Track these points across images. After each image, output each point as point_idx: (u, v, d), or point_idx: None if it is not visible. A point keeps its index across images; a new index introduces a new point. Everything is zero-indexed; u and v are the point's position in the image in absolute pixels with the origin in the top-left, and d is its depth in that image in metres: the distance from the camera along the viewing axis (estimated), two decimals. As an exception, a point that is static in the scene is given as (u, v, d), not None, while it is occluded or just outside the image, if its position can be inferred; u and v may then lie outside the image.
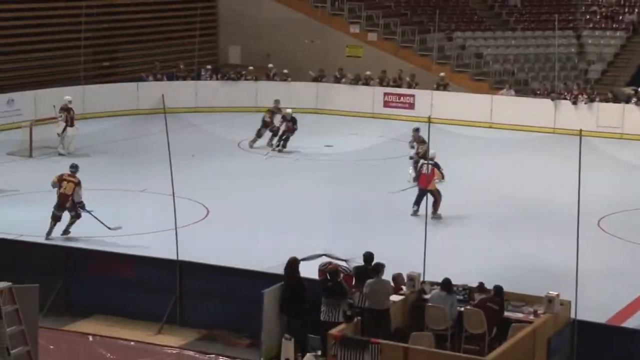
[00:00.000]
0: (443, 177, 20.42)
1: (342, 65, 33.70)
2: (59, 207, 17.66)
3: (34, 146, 24.94)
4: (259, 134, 26.68)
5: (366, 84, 32.58)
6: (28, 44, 30.40)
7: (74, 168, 18.22)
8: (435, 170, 19.80)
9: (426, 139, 22.57)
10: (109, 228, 17.43)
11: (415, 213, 19.65)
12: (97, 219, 17.50)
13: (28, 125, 25.13)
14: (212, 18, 37.46)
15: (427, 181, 19.50)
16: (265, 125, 26.77)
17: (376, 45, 35.44)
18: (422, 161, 20.40)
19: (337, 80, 32.93)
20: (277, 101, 27.69)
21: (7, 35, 29.69)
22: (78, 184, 17.77)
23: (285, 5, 36.71)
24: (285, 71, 33.07)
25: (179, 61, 33.36)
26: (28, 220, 18.51)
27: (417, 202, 19.58)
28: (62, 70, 31.25)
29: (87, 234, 17.42)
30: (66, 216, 17.71)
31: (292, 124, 26.59)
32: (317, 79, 33.04)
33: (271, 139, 26.62)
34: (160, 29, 35.13)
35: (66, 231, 17.62)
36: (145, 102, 30.12)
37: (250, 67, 33.46)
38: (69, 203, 17.63)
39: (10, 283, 10.41)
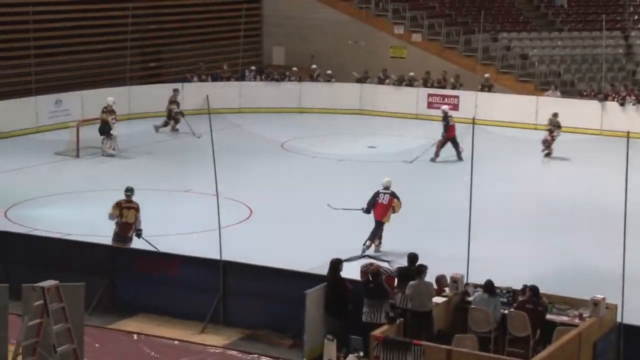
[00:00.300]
0: (400, 208, 17.49)
1: (386, 66, 33.64)
2: (123, 238, 15.67)
3: (81, 146, 25.23)
4: (165, 124, 28.30)
5: (410, 85, 32.49)
6: (75, 45, 30.76)
7: (130, 192, 15.99)
8: (395, 200, 17.38)
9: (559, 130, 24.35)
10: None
11: (377, 249, 17.19)
12: (152, 246, 15.83)
13: (75, 125, 25.44)
14: (256, 19, 37.63)
15: (382, 213, 17.27)
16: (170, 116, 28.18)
17: (420, 46, 35.31)
18: (378, 189, 17.66)
19: (381, 81, 32.88)
20: (176, 90, 28.79)
21: (55, 36, 30.08)
22: (138, 209, 15.80)
23: (330, 7, 36.72)
24: (329, 72, 33.11)
25: (224, 62, 33.58)
26: (75, 219, 18.74)
27: (373, 237, 17.17)
28: (108, 71, 31.62)
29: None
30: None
31: (447, 124, 25.22)
32: (360, 80, 33.02)
33: (173, 126, 28.19)
34: (205, 30, 35.37)
35: None
36: (190, 103, 30.36)
37: (294, 68, 33.55)
38: (131, 232, 15.78)
39: (57, 281, 10.53)
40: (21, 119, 27.12)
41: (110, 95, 26.41)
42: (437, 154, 25.16)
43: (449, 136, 25.31)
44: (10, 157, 24.38)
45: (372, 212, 17.36)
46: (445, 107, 26.81)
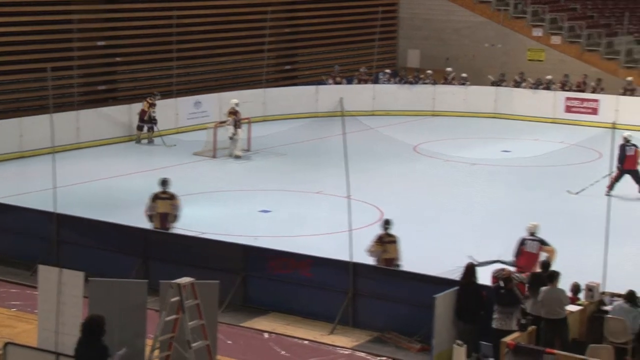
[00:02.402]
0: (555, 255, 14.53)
1: (523, 69, 33.06)
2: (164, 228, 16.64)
3: (217, 147, 25.78)
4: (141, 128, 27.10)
5: (547, 88, 31.82)
6: (214, 48, 31.55)
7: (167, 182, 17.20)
8: (546, 247, 14.72)
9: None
10: None
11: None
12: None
13: (213, 126, 26.03)
14: (392, 22, 37.65)
15: (530, 262, 14.54)
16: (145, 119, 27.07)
17: (559, 48, 34.56)
18: (524, 236, 14.86)
19: (517, 85, 32.35)
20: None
21: (196, 40, 30.90)
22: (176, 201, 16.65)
23: (467, 9, 36.40)
24: (464, 75, 32.80)
25: (361, 65, 33.75)
26: (210, 218, 19.19)
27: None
28: (245, 74, 32.28)
29: (266, 232, 17.87)
30: None
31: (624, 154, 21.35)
32: (496, 83, 32.58)
33: (149, 130, 27.10)
34: (340, 33, 35.65)
35: None
36: (324, 105, 30.61)
37: (429, 71, 33.38)
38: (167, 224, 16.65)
39: (192, 279, 10.79)
40: (162, 120, 27.94)
41: (246, 98, 26.77)
42: (610, 187, 20.47)
43: (626, 168, 21.29)
44: (151, 157, 25.21)
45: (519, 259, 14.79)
46: (627, 133, 22.00)
